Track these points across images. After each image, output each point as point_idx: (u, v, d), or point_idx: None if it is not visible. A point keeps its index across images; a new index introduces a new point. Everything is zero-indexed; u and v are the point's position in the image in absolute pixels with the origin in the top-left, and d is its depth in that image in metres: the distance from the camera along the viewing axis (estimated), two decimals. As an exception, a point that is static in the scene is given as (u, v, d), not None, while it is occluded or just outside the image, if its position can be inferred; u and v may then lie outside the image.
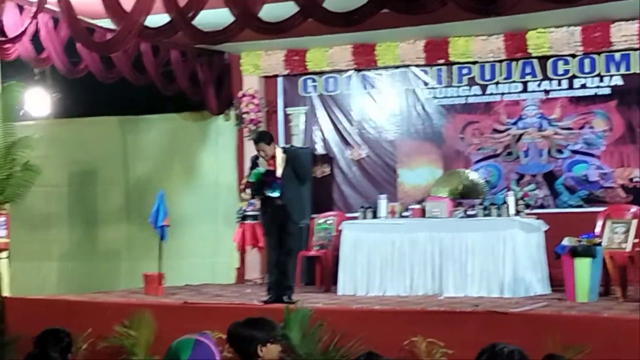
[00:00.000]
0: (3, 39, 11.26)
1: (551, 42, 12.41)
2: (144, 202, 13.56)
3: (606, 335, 7.94)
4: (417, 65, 13.32)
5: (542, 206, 12.52)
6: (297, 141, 13.84)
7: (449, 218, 11.04)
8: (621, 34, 12.11)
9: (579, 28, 12.25)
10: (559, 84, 12.73)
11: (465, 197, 11.75)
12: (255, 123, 13.85)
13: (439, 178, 12.71)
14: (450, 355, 8.29)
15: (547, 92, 12.79)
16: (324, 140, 13.95)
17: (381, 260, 11.05)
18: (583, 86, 12.61)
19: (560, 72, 12.69)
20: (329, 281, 11.81)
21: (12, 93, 11.41)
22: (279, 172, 9.85)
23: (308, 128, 13.99)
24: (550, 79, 12.76)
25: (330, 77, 13.89)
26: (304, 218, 10.68)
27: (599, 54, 12.44)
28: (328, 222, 12.48)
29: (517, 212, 10.98)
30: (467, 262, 10.62)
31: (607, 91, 12.51)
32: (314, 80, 13.98)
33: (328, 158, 13.87)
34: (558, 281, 10.73)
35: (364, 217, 11.54)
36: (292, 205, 9.90)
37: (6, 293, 10.75)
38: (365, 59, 13.43)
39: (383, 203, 11.50)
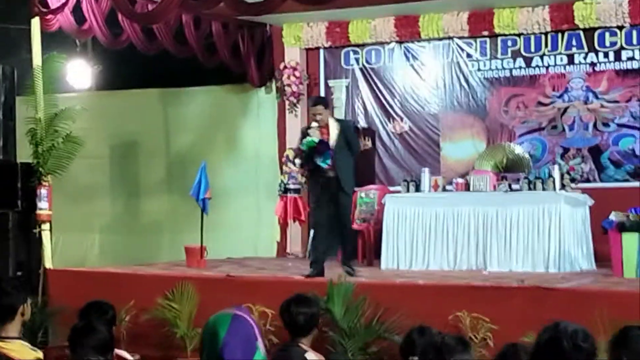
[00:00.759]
0: (45, 10, 11.24)
1: (598, 13, 12.18)
2: (185, 174, 13.53)
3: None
4: (460, 37, 13.15)
5: (587, 180, 12.34)
6: (339, 114, 13.71)
7: (493, 192, 10.90)
8: (670, 4, 11.87)
9: (626, -1, 12.03)
10: (606, 56, 12.51)
11: (510, 170, 11.61)
12: (297, 95, 13.77)
13: (483, 151, 12.56)
14: (496, 330, 8.18)
15: (593, 64, 12.56)
16: (366, 113, 13.83)
17: (424, 234, 10.96)
18: (630, 58, 12.38)
19: (607, 44, 12.46)
20: (372, 255, 11.73)
21: (54, 64, 11.38)
22: (331, 142, 9.74)
23: (349, 101, 13.87)
24: (597, 51, 12.54)
25: (372, 49, 13.75)
26: (354, 190, 10.56)
27: (647, 25, 12.21)
28: (370, 195, 12.38)
29: (563, 186, 10.83)
30: (512, 237, 10.51)
31: (656, 63, 12.28)
32: (356, 53, 13.85)
33: (370, 131, 13.72)
34: (602, 257, 10.60)
35: (407, 191, 11.44)
36: (344, 176, 9.81)
37: (49, 265, 10.76)
38: (408, 31, 13.27)
39: (426, 176, 11.38)
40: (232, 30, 13.66)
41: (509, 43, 12.95)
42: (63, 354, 6.38)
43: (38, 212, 10.89)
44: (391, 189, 12.57)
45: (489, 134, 13.08)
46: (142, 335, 9.47)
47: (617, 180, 12.40)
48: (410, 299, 8.71)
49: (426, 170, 11.59)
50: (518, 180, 11.11)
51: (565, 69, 12.71)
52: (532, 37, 12.79)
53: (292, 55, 13.93)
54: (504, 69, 13.05)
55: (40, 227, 10.87)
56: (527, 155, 11.89)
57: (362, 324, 8.62)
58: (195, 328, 9.17)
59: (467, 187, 11.16)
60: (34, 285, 10.49)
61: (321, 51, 14.02)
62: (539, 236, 10.43)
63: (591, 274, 10.13)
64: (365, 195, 12.45)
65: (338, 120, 10.15)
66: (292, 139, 13.79)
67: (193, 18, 12.86)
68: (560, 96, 12.72)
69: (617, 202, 10.52)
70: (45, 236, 10.85)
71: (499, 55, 13.05)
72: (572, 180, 11.24)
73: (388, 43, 13.57)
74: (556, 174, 10.78)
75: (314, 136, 9.69)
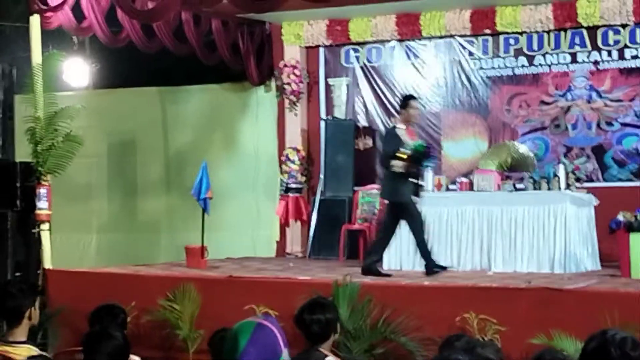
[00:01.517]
0: (44, 7, 11.10)
1: (602, 11, 12.08)
2: (184, 173, 13.45)
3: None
4: (462, 36, 13.04)
5: (590, 180, 12.25)
6: (339, 113, 13.63)
7: (498, 191, 10.80)
8: (675, 3, 11.79)
9: (630, -3, 11.94)
10: (609, 55, 12.41)
11: (514, 170, 11.49)
12: (297, 94, 13.66)
13: (487, 151, 12.44)
14: (504, 332, 8.09)
15: (596, 63, 12.47)
16: (367, 112, 13.72)
17: (428, 234, 10.83)
18: (634, 57, 12.28)
19: (610, 42, 12.37)
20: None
21: (53, 63, 11.25)
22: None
23: (350, 99, 13.75)
24: (600, 50, 12.44)
25: (373, 47, 13.65)
26: None
27: (651, 23, 12.12)
28: (372, 195, 12.28)
29: (568, 186, 10.73)
30: (517, 237, 10.43)
31: (659, 62, 12.20)
32: (356, 51, 13.74)
33: (370, 130, 13.64)
34: (607, 257, 10.52)
35: (409, 190, 11.32)
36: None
37: (48, 265, 10.63)
38: (409, 29, 13.16)
39: (429, 176, 11.28)
40: (232, 28, 13.52)
41: (511, 41, 12.85)
42: (73, 359, 6.25)
43: (37, 212, 10.76)
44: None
45: (490, 133, 12.98)
46: (144, 336, 9.34)
47: (620, 180, 12.30)
48: (417, 300, 8.62)
49: (429, 169, 11.48)
50: (522, 179, 11.02)
51: (568, 67, 12.61)
52: (535, 36, 12.68)
53: (292, 53, 13.81)
54: (506, 67, 12.94)
55: (39, 227, 10.74)
56: (531, 155, 11.75)
57: (368, 326, 8.52)
58: (198, 330, 9.07)
59: (471, 187, 11.07)
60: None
61: (321, 49, 13.90)
62: (544, 236, 10.34)
63: (597, 274, 10.04)
64: (367, 195, 12.35)
65: None
66: (292, 138, 13.72)
67: (193, 16, 12.73)
68: (563, 95, 12.63)
69: (621, 202, 10.45)
70: (45, 236, 10.71)
71: (501, 54, 12.94)
72: (577, 179, 11.16)
73: (389, 41, 13.46)
74: (561, 174, 10.68)
75: (403, 137, 9.82)
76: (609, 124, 12.44)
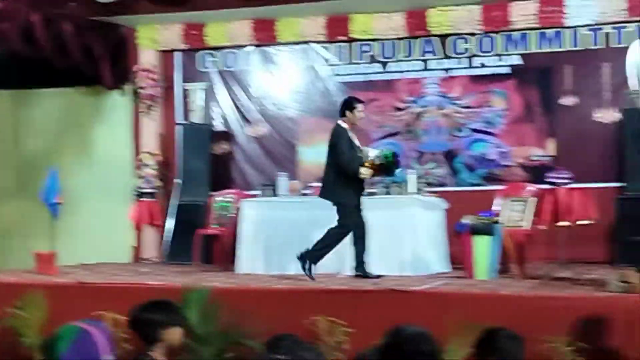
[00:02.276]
0: None
1: (451, 20, 12.41)
2: (37, 178, 13.08)
3: (505, 312, 7.92)
4: (318, 42, 13.19)
5: (442, 184, 12.54)
6: (196, 117, 13.58)
7: (350, 196, 10.91)
8: (520, 13, 12.19)
9: (478, 7, 12.27)
10: (459, 63, 12.75)
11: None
12: (152, 98, 13.56)
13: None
14: (352, 334, 8.18)
15: (447, 70, 12.78)
16: (224, 117, 13.72)
17: (281, 238, 10.91)
18: (482, 65, 12.65)
19: (460, 50, 12.71)
20: (228, 260, 11.61)
21: None
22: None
23: (207, 104, 13.72)
24: (450, 58, 12.77)
25: (229, 52, 13.67)
26: None
27: (498, 33, 12.49)
28: (227, 199, 12.27)
29: (418, 190, 10.94)
30: (369, 241, 10.50)
31: (506, 70, 12.59)
32: (212, 56, 13.74)
33: (227, 135, 13.65)
34: (458, 259, 10.76)
35: (264, 195, 11.39)
36: None
37: None
38: (265, 35, 13.23)
39: (283, 181, 11.36)
40: (85, 31, 13.29)
41: (365, 48, 13.07)
42: None
43: None
44: (248, 193, 12.49)
45: (346, 139, 13.11)
46: (-10, 344, 9.12)
47: (470, 184, 12.64)
48: (266, 304, 8.64)
49: (283, 174, 11.57)
50: (374, 184, 11.17)
51: (420, 74, 12.90)
52: (388, 43, 12.93)
53: (148, 57, 13.70)
54: (360, 73, 13.15)
55: None
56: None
57: (218, 330, 8.51)
58: (45, 337, 8.88)
59: (323, 191, 11.14)
60: None
61: (177, 54, 13.84)
62: (395, 240, 10.48)
63: (445, 276, 10.25)
64: (222, 199, 12.33)
65: None
66: (147, 143, 13.60)
67: (43, 18, 12.46)
68: (415, 101, 12.90)
69: (471, 206, 10.68)
70: None
71: (355, 60, 13.14)
72: (428, 184, 11.38)
73: (245, 46, 13.50)
74: (411, 179, 10.89)
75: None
76: (459, 130, 12.76)
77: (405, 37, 12.80)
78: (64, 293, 9.45)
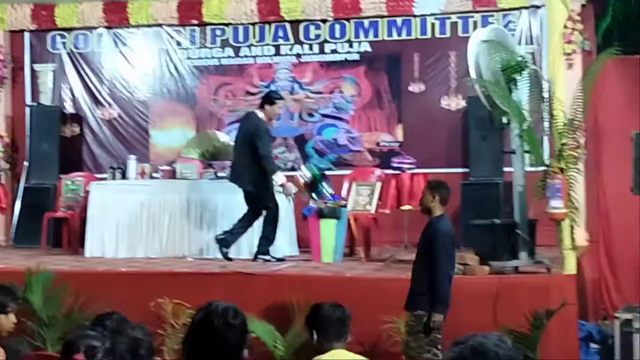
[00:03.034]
0: None
1: (302, 6, 12.55)
2: None
3: (349, 294, 8.12)
4: (170, 25, 13.15)
5: (292, 169, 12.67)
6: (46, 99, 13.40)
7: (200, 179, 10.99)
8: (370, 1, 12.40)
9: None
10: (311, 49, 12.91)
11: (216, 158, 11.73)
12: (0, 79, 13.27)
13: (190, 139, 12.65)
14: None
15: (299, 56, 12.93)
16: (74, 99, 13.54)
17: (130, 221, 10.88)
18: (333, 51, 12.84)
19: (312, 36, 12.87)
20: (77, 243, 11.51)
21: None
22: None
23: (57, 86, 13.53)
24: (302, 43, 12.91)
25: (80, 34, 13.49)
26: None
27: (348, 20, 12.69)
28: (76, 182, 12.14)
29: (267, 175, 11.05)
30: (217, 224, 10.59)
31: (356, 57, 12.79)
32: (63, 37, 13.53)
33: (78, 117, 13.48)
34: (305, 242, 10.93)
35: (113, 178, 11.35)
36: None
37: None
38: (117, 17, 13.10)
39: (132, 164, 11.34)
40: None
41: (218, 32, 13.09)
42: None
43: None
44: (99, 176, 12.39)
45: (198, 122, 13.17)
46: None
47: (320, 169, 12.79)
48: (112, 287, 8.66)
49: (132, 157, 11.54)
50: (225, 168, 11.24)
51: (272, 59, 13.01)
52: (241, 28, 12.98)
53: (-4, 37, 13.42)
54: (213, 57, 13.18)
55: None
56: (232, 144, 12.05)
57: (62, 314, 8.47)
58: None
59: (173, 175, 11.19)
60: None
61: (27, 34, 13.57)
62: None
63: (293, 259, 10.41)
64: (72, 182, 12.19)
65: None
66: (-5, 124, 13.34)
67: None
68: (268, 86, 12.99)
69: (320, 190, 10.85)
70: None
71: (208, 44, 13.15)
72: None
73: (96, 28, 13.35)
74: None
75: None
76: (310, 115, 12.94)
77: (258, 22, 12.87)
78: None
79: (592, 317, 9.54)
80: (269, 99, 10.34)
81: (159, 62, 13.34)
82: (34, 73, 13.60)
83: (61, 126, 13.23)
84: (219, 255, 10.17)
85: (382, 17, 12.57)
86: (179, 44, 13.24)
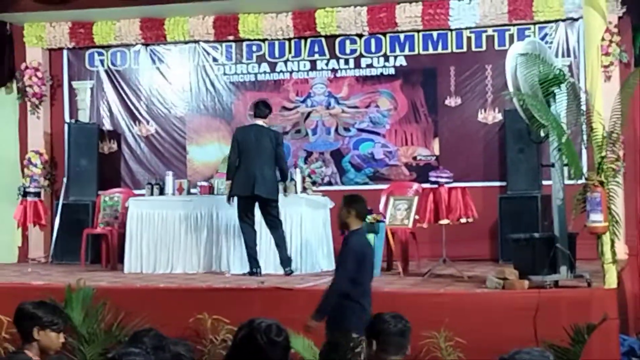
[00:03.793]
0: None
1: (338, 21, 12.58)
2: None
3: (387, 308, 8.07)
4: (206, 41, 13.22)
5: (329, 183, 12.69)
6: (84, 116, 13.51)
7: (237, 195, 11.00)
8: (405, 15, 12.41)
9: (365, 8, 12.47)
10: (346, 63, 12.93)
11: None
12: (39, 97, 13.40)
13: (225, 155, 12.67)
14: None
15: (334, 70, 12.95)
16: (111, 115, 13.64)
17: (168, 237, 10.95)
18: (369, 66, 12.85)
19: (347, 51, 12.89)
20: (115, 259, 11.58)
21: None
22: None
23: (94, 103, 13.64)
24: (338, 58, 12.94)
25: (117, 51, 13.59)
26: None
27: (384, 34, 12.70)
28: (114, 198, 12.23)
29: (304, 189, 11.09)
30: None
31: (392, 71, 12.80)
32: (100, 54, 13.64)
33: (115, 134, 13.58)
34: (343, 257, 10.87)
35: (151, 194, 11.39)
36: None
37: None
38: (153, 34, 13.21)
39: (170, 180, 11.39)
40: (-31, 28, 13.11)
41: (254, 48, 13.14)
42: None
43: None
44: (137, 192, 12.46)
45: (234, 138, 13.18)
46: None
47: (357, 184, 12.82)
48: (151, 303, 8.69)
49: (170, 173, 11.60)
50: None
51: (308, 74, 13.04)
52: (277, 43, 13.03)
53: (34, 55, 13.52)
54: (249, 73, 13.23)
55: None
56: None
57: (102, 329, 8.52)
58: None
59: (211, 191, 11.23)
60: None
61: (64, 52, 13.70)
62: (282, 238, 10.60)
63: (330, 274, 10.36)
64: (110, 199, 12.29)
65: None
66: (34, 142, 13.45)
67: None
68: (303, 101, 13.04)
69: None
70: None
71: (244, 60, 13.21)
72: (314, 183, 11.52)
73: (134, 45, 13.45)
74: (297, 177, 11.03)
75: None
76: (347, 129, 12.95)
77: (294, 38, 12.92)
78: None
79: (633, 331, 9.44)
80: (269, 109, 10.75)
81: (195, 78, 13.41)
82: (72, 90, 13.72)
83: (99, 143, 13.33)
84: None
85: (417, 31, 12.58)
86: (215, 59, 13.30)
